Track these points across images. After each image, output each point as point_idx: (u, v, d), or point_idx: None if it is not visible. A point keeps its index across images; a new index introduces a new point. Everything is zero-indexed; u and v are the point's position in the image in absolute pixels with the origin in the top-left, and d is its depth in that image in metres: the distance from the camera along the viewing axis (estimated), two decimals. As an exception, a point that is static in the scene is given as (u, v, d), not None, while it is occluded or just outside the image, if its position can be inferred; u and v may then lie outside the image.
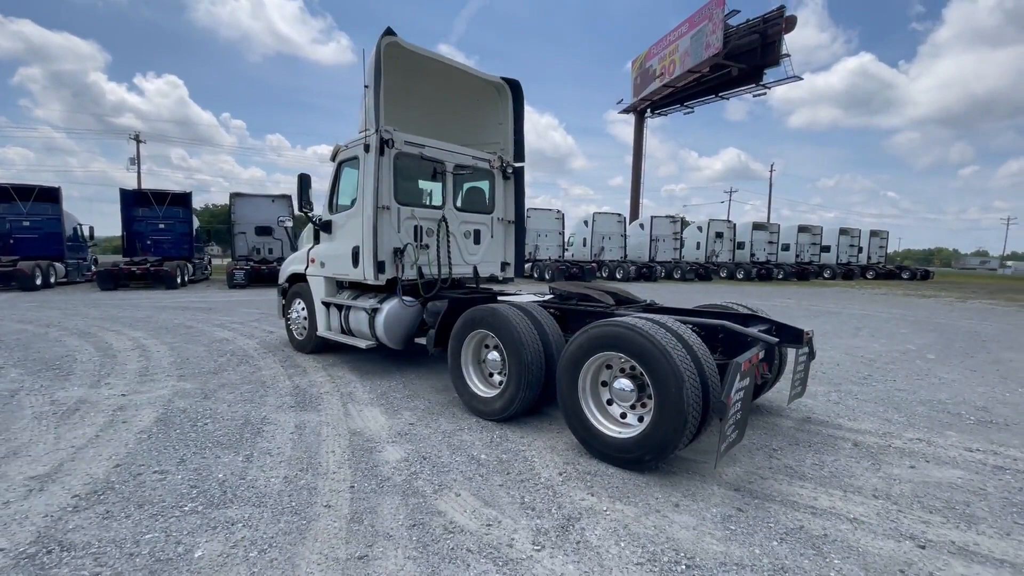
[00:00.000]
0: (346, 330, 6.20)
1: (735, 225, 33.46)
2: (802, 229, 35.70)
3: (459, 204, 6.52)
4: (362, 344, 5.70)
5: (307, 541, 2.47)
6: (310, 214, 6.29)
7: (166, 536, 2.49)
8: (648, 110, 37.95)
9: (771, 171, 51.10)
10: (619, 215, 29.44)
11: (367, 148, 5.57)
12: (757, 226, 34.38)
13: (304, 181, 6.12)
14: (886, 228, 37.43)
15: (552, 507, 2.86)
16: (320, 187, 6.54)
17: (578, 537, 2.56)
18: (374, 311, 5.69)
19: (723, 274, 30.45)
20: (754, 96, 32.48)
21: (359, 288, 6.38)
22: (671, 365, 3.07)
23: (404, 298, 5.71)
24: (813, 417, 4.59)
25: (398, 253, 5.66)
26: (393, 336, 5.63)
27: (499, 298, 5.07)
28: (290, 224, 7.86)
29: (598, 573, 2.27)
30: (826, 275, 33.84)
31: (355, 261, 5.76)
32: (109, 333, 8.20)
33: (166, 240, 19.65)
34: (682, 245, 31.30)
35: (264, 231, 20.45)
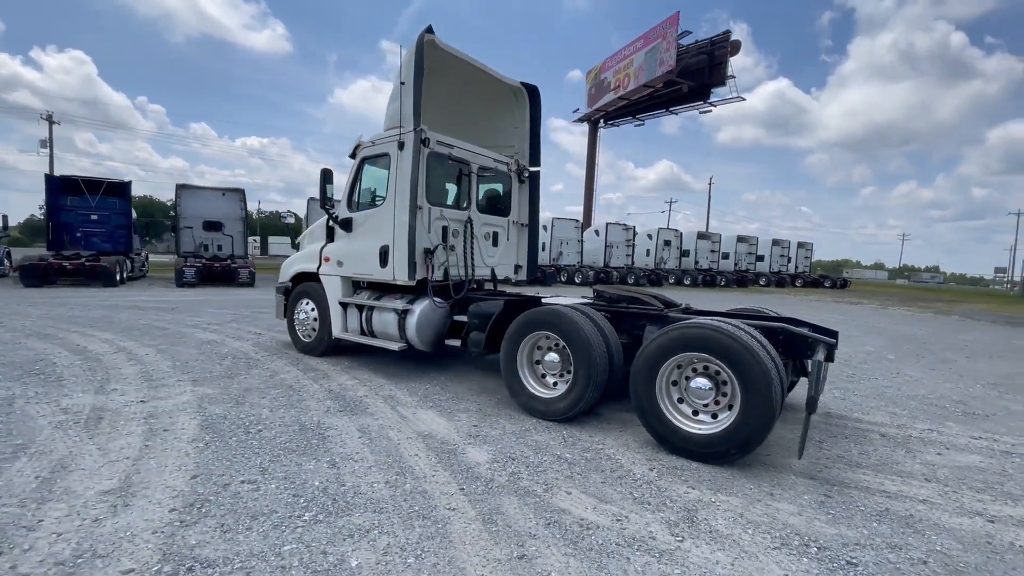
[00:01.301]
0: (366, 332, 6.02)
1: (681, 234, 35.30)
2: (740, 239, 38.28)
3: (481, 206, 6.53)
4: (394, 346, 5.56)
5: (456, 544, 2.45)
6: (331, 210, 6.06)
7: (306, 547, 2.37)
8: (602, 120, 39.29)
9: (710, 184, 54.43)
10: (576, 221, 30.22)
11: (401, 146, 5.47)
12: (701, 235, 36.49)
13: (326, 176, 5.89)
14: (799, 240, 41.55)
15: (664, 500, 2.99)
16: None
17: (707, 527, 2.71)
18: (404, 312, 5.58)
19: (672, 280, 32.01)
20: (700, 112, 34.60)
21: (378, 288, 6.22)
22: (761, 366, 3.31)
23: (435, 299, 5.65)
24: (832, 412, 5.04)
25: (428, 254, 5.59)
26: (424, 338, 5.55)
27: (543, 300, 5.13)
28: (291, 220, 7.42)
29: (746, 558, 2.43)
30: (762, 282, 36.50)
31: (383, 261, 5.62)
32: (72, 335, 7.41)
33: (100, 233, 17.83)
34: (634, 252, 32.59)
35: (213, 226, 19.15)
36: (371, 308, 5.96)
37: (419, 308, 5.53)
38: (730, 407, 3.57)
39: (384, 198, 5.75)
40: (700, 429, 3.60)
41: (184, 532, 2.44)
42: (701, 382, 3.65)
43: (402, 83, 5.40)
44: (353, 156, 6.26)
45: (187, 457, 3.31)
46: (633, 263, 32.06)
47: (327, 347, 6.50)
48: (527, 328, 4.50)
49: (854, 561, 2.44)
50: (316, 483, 3.02)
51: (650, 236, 34.37)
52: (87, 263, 15.56)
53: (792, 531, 2.70)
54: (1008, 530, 2.81)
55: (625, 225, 32.09)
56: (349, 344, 6.42)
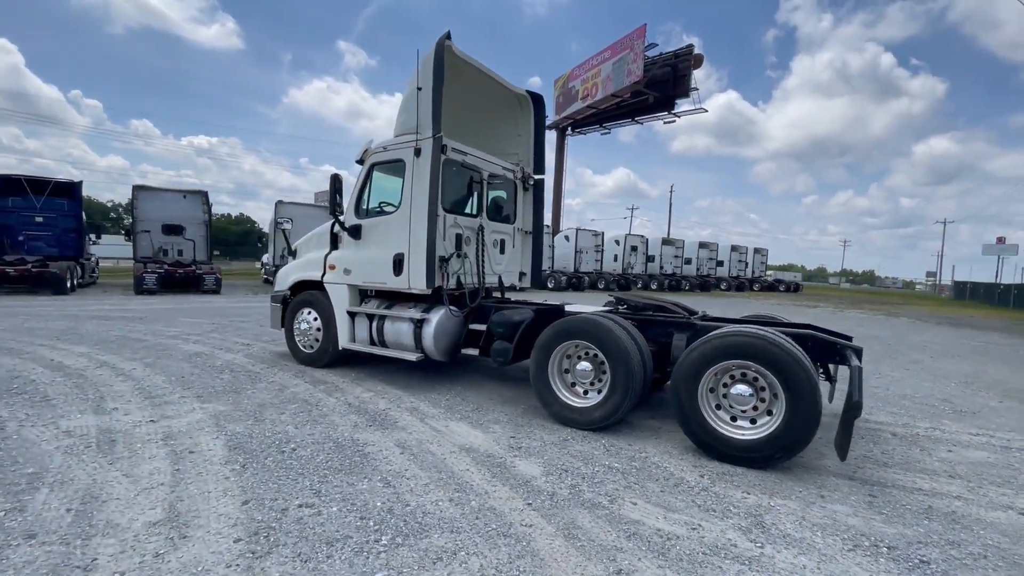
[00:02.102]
0: (377, 342, 5.85)
1: (647, 240, 36.23)
2: (702, 245, 39.67)
3: (489, 213, 6.49)
4: (412, 356, 5.43)
5: (549, 562, 2.40)
6: (340, 217, 5.86)
7: (398, 573, 2.27)
8: (569, 128, 39.92)
9: (671, 192, 56.26)
10: (547, 226, 30.49)
11: (418, 152, 5.37)
12: (666, 241, 37.60)
13: (336, 182, 5.70)
14: (747, 245, 43.85)
15: (727, 507, 3.04)
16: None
17: (778, 531, 2.78)
18: (421, 322, 5.46)
19: (639, 285, 32.77)
20: (665, 123, 35.76)
21: (386, 297, 6.07)
22: (805, 372, 3.44)
23: (450, 308, 5.56)
24: (837, 413, 5.27)
25: (443, 262, 5.51)
26: (441, 347, 5.45)
27: (567, 309, 5.15)
28: (289, 227, 7.12)
29: (828, 562, 2.50)
30: (723, 287, 37.93)
31: (397, 269, 5.49)
32: (40, 348, 6.83)
33: (46, 236, 16.54)
34: (603, 257, 33.18)
35: (174, 230, 18.15)
36: (382, 318, 5.80)
37: (436, 317, 5.43)
38: (769, 412, 3.69)
39: (398, 205, 5.62)
40: (743, 435, 3.69)
41: (262, 564, 2.29)
42: (742, 388, 3.75)
43: (419, 89, 5.30)
44: (361, 162, 6.09)
45: (227, 481, 3.11)
46: (602, 268, 32.62)
47: (332, 358, 6.26)
48: (560, 337, 4.49)
49: (925, 559, 2.56)
50: (379, 504, 2.90)
51: (617, 242, 35.08)
52: (33, 269, 14.39)
53: (857, 532, 2.81)
54: (1040, 522, 3.03)
55: (594, 231, 32.63)
56: (349, 354, 6.21)
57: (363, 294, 6.22)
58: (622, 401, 4.15)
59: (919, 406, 5.74)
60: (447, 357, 5.61)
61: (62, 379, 5.31)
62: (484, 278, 6.12)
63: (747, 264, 43.34)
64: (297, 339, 6.53)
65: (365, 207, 5.99)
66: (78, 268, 16.56)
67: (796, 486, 3.39)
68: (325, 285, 6.21)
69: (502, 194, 6.88)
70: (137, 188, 17.72)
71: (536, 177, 7.19)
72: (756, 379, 3.73)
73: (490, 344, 5.47)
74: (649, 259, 36.04)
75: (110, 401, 4.62)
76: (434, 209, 5.22)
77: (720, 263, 40.99)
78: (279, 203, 20.72)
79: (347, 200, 6.07)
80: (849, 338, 4.36)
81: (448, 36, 5.33)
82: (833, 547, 2.64)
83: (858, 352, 3.92)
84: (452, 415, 4.64)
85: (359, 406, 4.79)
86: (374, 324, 5.86)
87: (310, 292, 6.44)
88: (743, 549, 2.58)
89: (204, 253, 18.67)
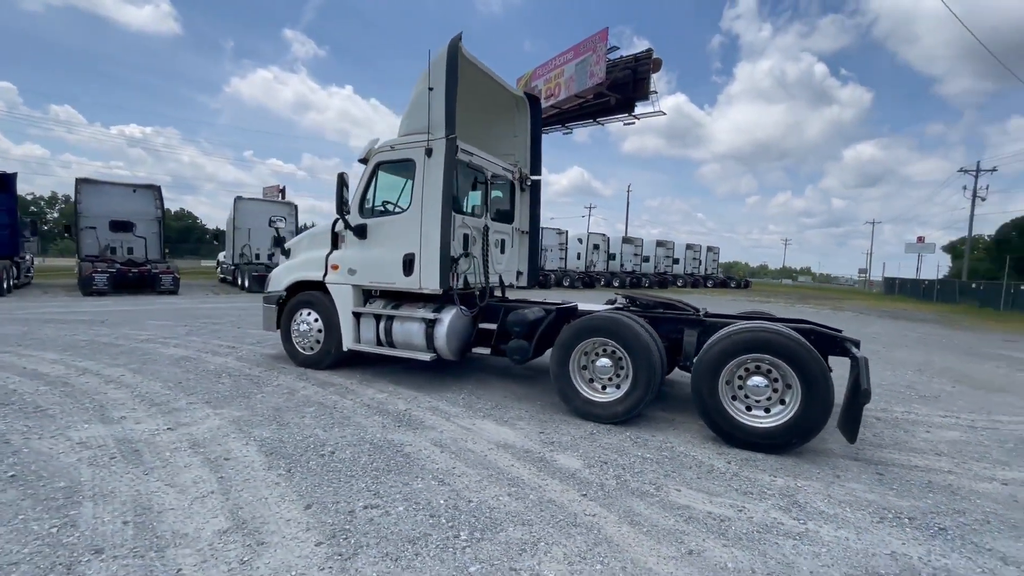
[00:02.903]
0: (384, 342, 5.81)
1: (609, 238, 37.14)
2: (659, 244, 41.07)
3: (492, 214, 6.57)
4: (425, 356, 5.43)
5: (624, 547, 2.55)
6: (347, 216, 5.77)
7: (492, 566, 2.35)
8: (531, 126, 39.96)
9: (628, 192, 57.74)
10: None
11: (429, 152, 5.37)
12: (626, 240, 38.69)
13: (343, 181, 5.61)
14: (697, 243, 46.18)
15: (762, 489, 3.30)
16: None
17: (813, 509, 3.05)
18: (432, 322, 5.48)
19: (602, 283, 33.58)
20: (625, 124, 36.64)
21: (391, 297, 6.04)
22: (819, 363, 3.77)
23: (461, 307, 5.61)
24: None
25: (453, 262, 5.55)
26: (452, 347, 5.50)
27: (580, 307, 5.31)
28: (283, 225, 6.81)
29: (865, 533, 2.79)
30: (679, 284, 39.43)
31: (408, 269, 5.48)
32: (4, 355, 6.32)
33: (-25, 233, 15.15)
34: (567, 255, 33.74)
35: (122, 226, 17.05)
36: (390, 318, 5.76)
37: (448, 317, 5.47)
38: (782, 401, 4.01)
39: (407, 205, 5.60)
40: (761, 423, 3.98)
41: (354, 565, 2.31)
42: (757, 380, 4.04)
43: (431, 89, 5.31)
44: (364, 161, 6.01)
45: (279, 487, 3.07)
46: (566, 266, 33.17)
47: (334, 360, 6.16)
48: (582, 335, 4.65)
49: (942, 527, 2.90)
50: (442, 502, 2.96)
51: (580, 240, 35.76)
52: (-35, 269, 13.15)
53: (878, 507, 3.12)
54: (1021, 490, 3.47)
55: (559, 230, 33.11)
56: (347, 356, 6.13)
57: (366, 294, 6.15)
58: (644, 395, 4.37)
59: (889, 392, 6.31)
60: (458, 356, 5.66)
61: (47, 388, 4.97)
62: (488, 278, 6.20)
63: (700, 262, 45.24)
64: (296, 341, 6.37)
65: (370, 207, 5.92)
66: (13, 268, 15.25)
67: (813, 468, 3.70)
68: (327, 285, 6.09)
69: (500, 194, 6.96)
70: (81, 181, 16.50)
71: (533, 178, 7.31)
72: (770, 371, 4.03)
73: (501, 343, 5.58)
74: (611, 257, 36.98)
75: (113, 410, 4.38)
76: (448, 210, 5.25)
77: (676, 261, 42.57)
78: (239, 199, 19.81)
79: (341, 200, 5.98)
80: (838, 331, 4.76)
81: (460, 37, 5.36)
82: (864, 520, 2.93)
83: (856, 344, 4.30)
84: (474, 413, 4.71)
85: (378, 407, 4.77)
86: (381, 324, 5.81)
87: (310, 293, 6.30)
88: (790, 526, 2.83)
89: (157, 251, 17.64)
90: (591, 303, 5.86)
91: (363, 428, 4.17)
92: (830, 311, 20.41)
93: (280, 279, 6.59)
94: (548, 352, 5.11)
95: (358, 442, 3.85)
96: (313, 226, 7.63)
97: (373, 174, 5.89)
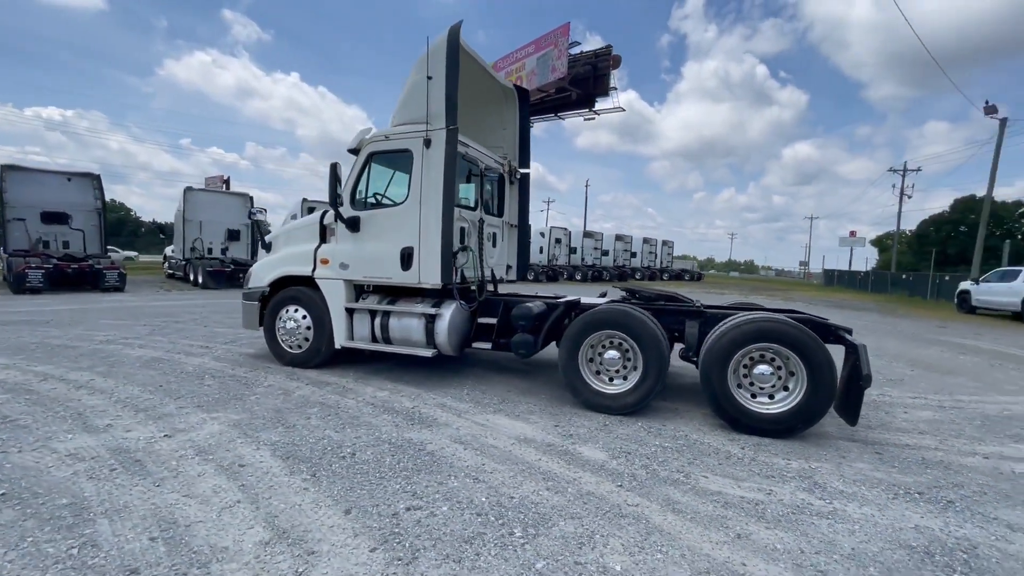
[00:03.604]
0: (380, 339, 5.64)
1: (570, 232, 37.61)
2: (618, 238, 41.99)
3: (485, 207, 6.49)
4: (426, 352, 5.31)
5: (676, 534, 2.60)
6: (339, 208, 5.52)
7: (556, 561, 2.34)
8: (492, 120, 39.75)
9: (586, 187, 58.68)
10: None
11: (428, 143, 5.23)
12: (587, 234, 39.29)
13: (336, 171, 5.38)
14: (653, 238, 47.81)
15: (782, 473, 3.45)
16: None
17: (833, 489, 3.22)
18: (433, 317, 5.37)
19: (565, 276, 34.00)
20: (585, 119, 37.10)
21: (385, 292, 5.86)
22: (824, 352, 3.97)
23: (461, 302, 5.53)
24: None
25: (453, 256, 5.46)
26: (453, 342, 5.41)
27: (583, 301, 5.34)
28: (263, 218, 6.40)
29: (886, 509, 2.97)
30: (637, 276, 40.53)
31: (406, 263, 5.33)
32: (-57, 361, 5.69)
33: None
34: (529, 248, 33.88)
35: (56, 218, 15.68)
36: (386, 314, 5.60)
37: (448, 312, 5.37)
38: (785, 388, 4.20)
39: (404, 197, 5.44)
40: (769, 409, 4.16)
41: (418, 570, 2.23)
42: (763, 368, 4.21)
43: (429, 78, 5.17)
44: (355, 152, 5.78)
45: (308, 492, 2.93)
46: (529, 259, 33.32)
47: (324, 358, 5.92)
48: (591, 328, 4.68)
49: (949, 500, 3.13)
50: (483, 499, 2.91)
51: (542, 234, 36.01)
52: None
53: (888, 484, 3.34)
54: (1004, 463, 3.80)
55: (521, 223, 33.17)
56: (333, 354, 5.92)
57: (358, 289, 5.94)
58: (654, 386, 4.46)
59: (859, 377, 6.74)
60: (458, 352, 5.58)
61: (8, 396, 4.50)
62: (485, 271, 6.14)
63: (656, 255, 46.66)
64: (282, 339, 6.07)
65: (362, 199, 5.71)
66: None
67: (819, 451, 3.91)
68: (317, 281, 5.83)
69: (488, 187, 6.89)
70: (7, 168, 15.02)
71: (522, 171, 7.28)
72: (774, 359, 4.21)
73: (500, 338, 5.54)
74: (572, 251, 37.47)
75: (95, 418, 4.02)
76: (450, 203, 5.14)
77: (634, 254, 43.70)
78: (188, 190, 18.63)
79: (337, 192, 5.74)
80: (825, 320, 5.02)
81: (460, 26, 5.24)
82: (880, 497, 3.13)
83: (848, 331, 4.55)
84: (484, 409, 4.66)
85: (384, 405, 4.63)
86: (377, 320, 5.63)
87: (296, 288, 6.01)
88: (819, 506, 2.98)
89: (97, 245, 16.33)
90: (586, 297, 5.92)
91: (376, 428, 4.04)
92: (781, 302, 21.55)
93: (262, 274, 6.25)
94: (541, 347, 5.16)
95: (376, 442, 3.72)
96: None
97: (366, 165, 5.68)
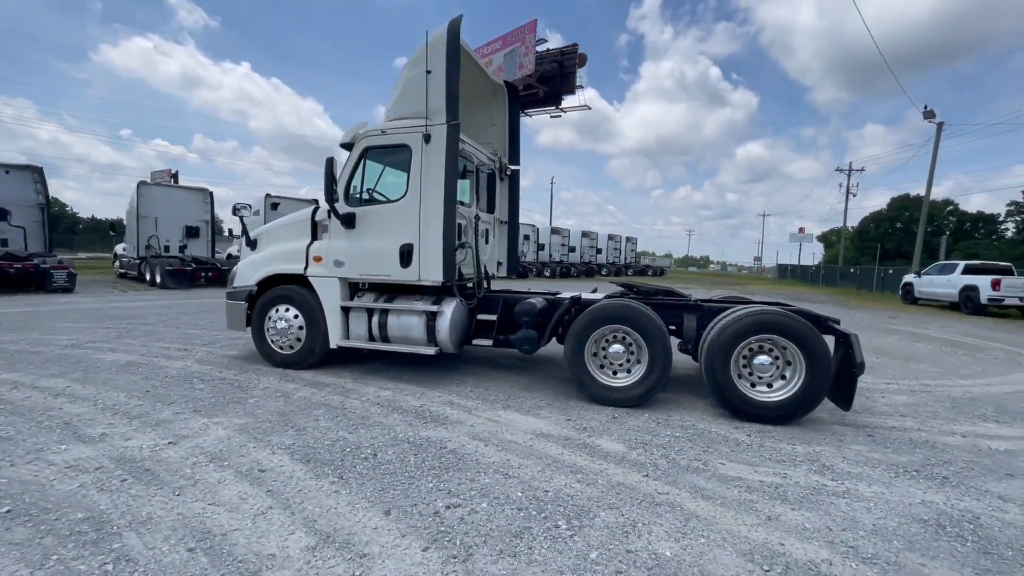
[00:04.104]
0: (377, 337, 5.53)
1: (538, 229, 37.85)
2: (584, 235, 42.58)
3: (478, 203, 6.47)
4: (429, 350, 5.25)
5: (712, 519, 2.71)
6: (335, 204, 5.37)
7: (607, 550, 2.39)
8: (459, 115, 39.41)
9: (552, 183, 59.13)
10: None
11: (428, 139, 5.17)
12: (554, 231, 39.65)
13: (331, 166, 5.23)
14: (618, 234, 49.01)
15: (792, 457, 3.63)
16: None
17: (840, 471, 3.42)
18: (434, 314, 5.32)
19: (533, 272, 34.21)
20: (552, 116, 37.40)
21: (380, 290, 5.76)
22: (821, 342, 4.20)
23: (461, 299, 5.51)
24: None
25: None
26: (454, 339, 5.39)
27: (583, 297, 5.41)
28: (247, 214, 6.08)
29: (892, 486, 3.19)
30: (603, 272, 41.25)
31: (405, 260, 5.26)
32: None
33: None
34: (498, 245, 33.89)
35: (-8, 214, 14.51)
36: (384, 312, 5.50)
37: (450, 309, 5.33)
38: (782, 377, 4.42)
39: (403, 192, 5.35)
40: (770, 397, 4.36)
41: (477, 567, 2.24)
42: (763, 359, 4.41)
43: (428, 72, 5.10)
44: (348, 146, 5.65)
45: (340, 495, 2.86)
46: (519, 256, 33.32)
47: (318, 358, 5.76)
48: (597, 323, 4.76)
49: (944, 475, 3.39)
50: (519, 494, 2.93)
51: (511, 231, 36.06)
52: None
53: (888, 463, 3.58)
54: (981, 440, 4.14)
55: (490, 220, 33.14)
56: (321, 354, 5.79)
57: (352, 287, 5.80)
58: (660, 378, 4.59)
59: (834, 365, 7.14)
60: (458, 349, 5.54)
61: (-22, 407, 4.16)
62: (482, 268, 6.12)
63: (621, 251, 47.65)
64: (272, 339, 5.86)
65: (357, 195, 5.58)
66: None
67: (817, 435, 4.13)
68: (310, 279, 5.66)
69: (480, 183, 6.87)
70: (-65, 159, 13.71)
71: (512, 168, 7.29)
72: (771, 349, 4.42)
73: (501, 334, 5.56)
74: (540, 248, 37.74)
75: (85, 427, 3.78)
76: (452, 199, 5.10)
77: (599, 251, 44.46)
78: (143, 184, 17.62)
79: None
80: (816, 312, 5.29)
81: (460, 20, 5.19)
82: (884, 476, 3.35)
83: (836, 322, 4.82)
84: (492, 406, 4.66)
85: (390, 405, 4.57)
86: (375, 319, 5.53)
87: (287, 287, 5.82)
88: (833, 487, 3.16)
89: (41, 243, 15.22)
90: (584, 293, 6.00)
91: (390, 427, 3.98)
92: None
93: (249, 273, 6.01)
94: (545, 342, 5.22)
95: (394, 442, 3.67)
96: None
97: (360, 160, 5.55)
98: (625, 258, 48.55)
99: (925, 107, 24.73)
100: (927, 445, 3.99)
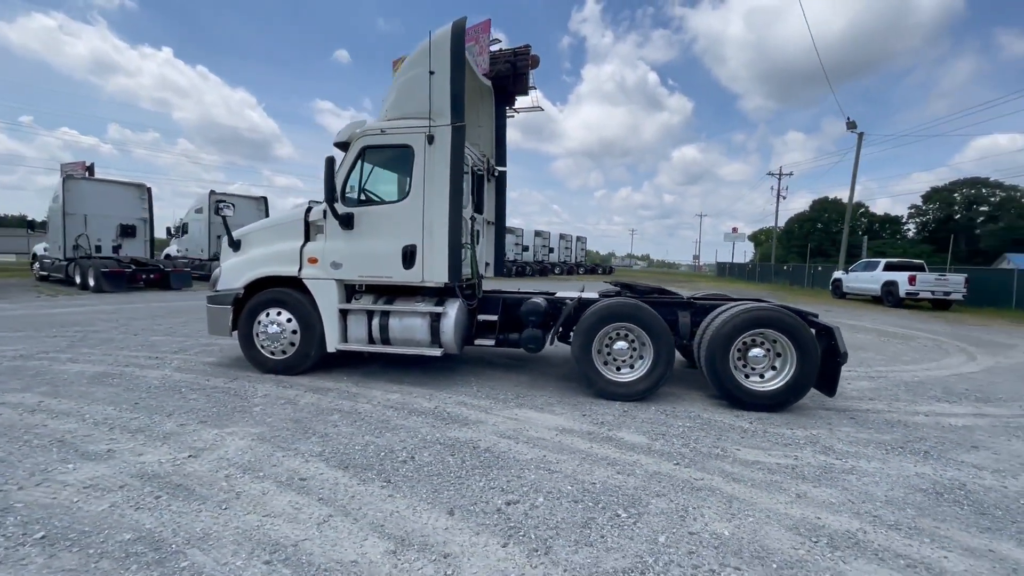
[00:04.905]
0: (377, 340, 5.45)
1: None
2: (538, 234, 43.14)
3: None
4: (435, 352, 5.23)
5: (751, 500, 2.94)
6: (335, 204, 5.23)
7: (673, 534, 2.55)
8: (410, 112, 38.86)
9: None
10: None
11: (431, 140, 5.16)
12: (508, 230, 39.88)
13: (332, 166, 5.10)
14: (568, 234, 50.41)
15: (796, 441, 3.97)
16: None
17: (839, 451, 3.78)
18: (438, 315, 5.31)
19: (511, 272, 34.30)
20: (505, 116, 37.75)
21: (378, 292, 5.67)
22: (810, 334, 4.60)
23: (463, 299, 5.55)
24: (762, 366, 6.86)
25: None
26: (458, 340, 5.42)
27: (584, 296, 5.59)
28: (230, 213, 5.67)
29: (887, 461, 3.58)
30: (556, 271, 42.01)
31: (408, 261, 5.22)
32: None
33: None
34: (453, 245, 33.68)
35: None
36: (385, 314, 5.42)
37: (453, 310, 5.35)
38: (773, 368, 4.80)
39: (403, 193, 5.31)
40: (765, 387, 4.72)
41: (561, 557, 2.33)
42: (757, 351, 4.77)
43: (432, 72, 5.09)
44: (341, 145, 5.52)
45: (395, 499, 2.86)
46: (505, 256, 33.15)
47: (312, 363, 5.59)
48: (604, 321, 4.95)
49: (924, 450, 3.84)
50: (569, 488, 3.04)
51: (465, 230, 35.97)
52: None
53: (876, 442, 3.99)
54: (942, 418, 4.69)
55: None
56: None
57: (349, 289, 5.67)
58: (665, 371, 4.85)
59: (797, 356, 7.76)
60: (460, 350, 5.56)
61: (-57, 427, 3.74)
62: (479, 269, 6.17)
63: (571, 250, 48.70)
64: (262, 344, 5.61)
65: (354, 195, 5.46)
66: None
67: (808, 420, 4.53)
68: (305, 281, 5.48)
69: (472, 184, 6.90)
70: None
71: (499, 169, 7.37)
72: (763, 343, 4.79)
73: (502, 334, 5.65)
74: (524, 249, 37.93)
75: (85, 443, 3.50)
76: (458, 200, 5.12)
77: (552, 250, 45.21)
78: (69, 178, 16.08)
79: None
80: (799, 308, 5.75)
81: (465, 21, 5.22)
82: (878, 453, 3.75)
83: (815, 316, 5.28)
84: (505, 404, 4.74)
85: (405, 407, 4.53)
86: (375, 321, 5.44)
87: (278, 290, 5.59)
88: (839, 465, 3.50)
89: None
90: (572, 292, 6.19)
91: (414, 430, 3.96)
92: (690, 291, 23.68)
93: (235, 275, 5.71)
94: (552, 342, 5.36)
95: (425, 444, 3.67)
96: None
97: (357, 159, 5.43)
98: (575, 257, 49.65)
99: (848, 119, 27.10)
100: (901, 424, 4.49)
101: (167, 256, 21.31)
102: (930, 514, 2.84)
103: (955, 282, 16.95)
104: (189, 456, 3.33)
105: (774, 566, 2.30)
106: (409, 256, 5.21)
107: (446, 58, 5.05)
